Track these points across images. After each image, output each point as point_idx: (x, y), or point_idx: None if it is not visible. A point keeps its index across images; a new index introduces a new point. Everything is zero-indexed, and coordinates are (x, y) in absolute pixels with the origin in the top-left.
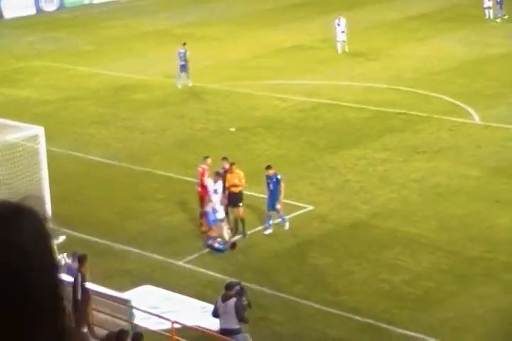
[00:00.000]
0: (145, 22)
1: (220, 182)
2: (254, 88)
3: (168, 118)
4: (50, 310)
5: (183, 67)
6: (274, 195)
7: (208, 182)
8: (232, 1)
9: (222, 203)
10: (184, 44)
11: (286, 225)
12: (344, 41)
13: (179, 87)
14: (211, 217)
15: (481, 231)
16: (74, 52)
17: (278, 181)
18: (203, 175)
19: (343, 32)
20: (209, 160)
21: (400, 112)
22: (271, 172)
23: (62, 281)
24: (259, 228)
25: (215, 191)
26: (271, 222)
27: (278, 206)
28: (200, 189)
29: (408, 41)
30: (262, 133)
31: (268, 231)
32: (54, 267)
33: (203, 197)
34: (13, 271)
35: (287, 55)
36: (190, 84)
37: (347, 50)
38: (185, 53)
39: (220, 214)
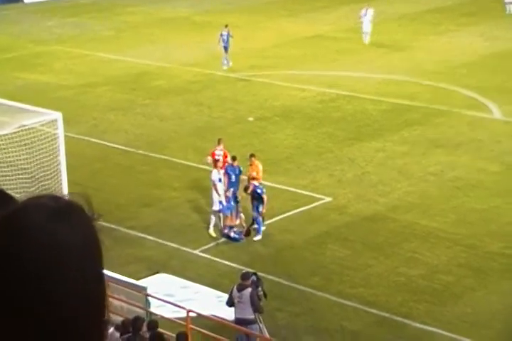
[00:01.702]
0: (165, 9)
1: (222, 171)
2: (273, 77)
3: (186, 106)
4: (95, 321)
5: (226, 49)
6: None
7: (213, 172)
8: None
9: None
10: (226, 26)
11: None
12: (367, 33)
13: (224, 68)
14: (226, 205)
15: (500, 226)
16: (93, 38)
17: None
18: (226, 156)
19: (369, 22)
20: (222, 142)
21: (419, 105)
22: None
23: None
24: (277, 218)
25: (220, 180)
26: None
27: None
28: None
29: (429, 34)
30: (281, 123)
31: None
32: (102, 274)
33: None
34: (64, 275)
35: (307, 45)
36: (230, 64)
37: (367, 41)
38: (227, 35)
39: (219, 204)
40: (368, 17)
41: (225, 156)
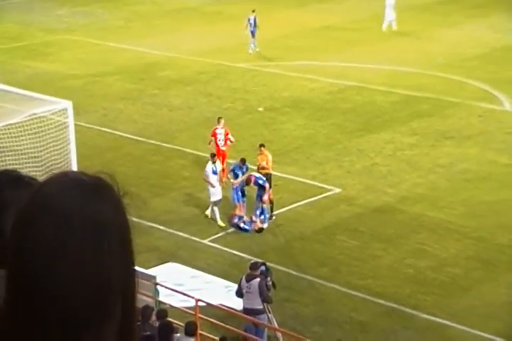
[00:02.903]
0: None
1: (218, 163)
2: (282, 68)
3: (195, 96)
4: (127, 305)
5: (253, 33)
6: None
7: (208, 164)
8: None
9: (220, 183)
10: (253, 11)
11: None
12: (392, 20)
13: (250, 52)
14: (234, 195)
15: (509, 218)
16: (103, 28)
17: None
18: (227, 134)
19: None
20: (222, 121)
21: (429, 97)
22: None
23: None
24: (286, 209)
25: (214, 172)
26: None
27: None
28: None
29: (439, 26)
30: (290, 114)
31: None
32: (132, 252)
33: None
34: (93, 252)
35: (316, 36)
36: (257, 49)
37: (385, 29)
38: (254, 19)
39: (218, 195)
40: (390, 4)
41: (226, 134)
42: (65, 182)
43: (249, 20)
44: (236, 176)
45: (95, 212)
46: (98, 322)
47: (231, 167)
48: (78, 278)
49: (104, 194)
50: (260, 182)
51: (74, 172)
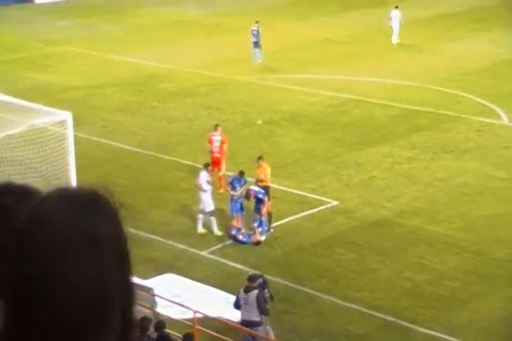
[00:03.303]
0: (174, 11)
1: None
2: (282, 81)
3: (195, 109)
4: (125, 316)
5: (256, 44)
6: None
7: (202, 173)
8: None
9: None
10: (257, 22)
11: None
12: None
13: (255, 63)
14: (233, 207)
15: (507, 233)
16: (103, 39)
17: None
18: (223, 143)
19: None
20: (219, 128)
21: (428, 111)
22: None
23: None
24: (284, 221)
25: (208, 182)
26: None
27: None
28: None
29: (440, 40)
30: (289, 127)
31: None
32: (129, 264)
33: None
34: (88, 266)
35: (316, 49)
36: (260, 60)
37: (397, 41)
38: (257, 30)
39: (211, 206)
40: (396, 18)
41: (223, 143)
42: (61, 197)
43: (252, 30)
44: (234, 188)
45: (92, 226)
46: (95, 330)
47: (229, 179)
48: (77, 289)
49: (101, 208)
50: (260, 196)
51: (70, 187)
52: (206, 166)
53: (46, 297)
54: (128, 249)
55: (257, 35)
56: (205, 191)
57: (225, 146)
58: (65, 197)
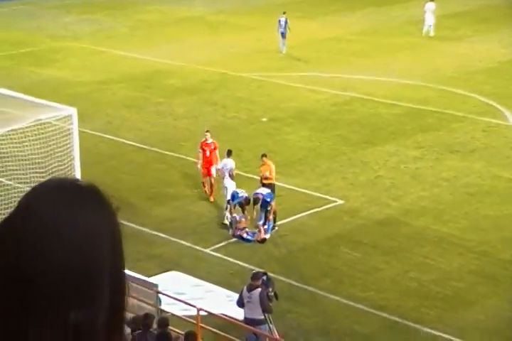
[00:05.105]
0: (180, 8)
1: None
2: (288, 79)
3: (200, 105)
4: (117, 310)
5: (283, 34)
6: None
7: (225, 161)
8: None
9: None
10: (284, 13)
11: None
12: (430, 25)
13: (283, 52)
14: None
15: None
16: (109, 35)
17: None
18: (215, 149)
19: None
20: (209, 134)
21: (435, 110)
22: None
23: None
24: (289, 219)
25: (231, 169)
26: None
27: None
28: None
29: (447, 39)
30: (294, 125)
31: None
32: (123, 263)
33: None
34: (86, 262)
35: (321, 47)
36: (284, 51)
37: (424, 33)
38: (286, 21)
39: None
40: (430, 10)
41: (215, 148)
42: (52, 190)
43: (279, 21)
44: (233, 198)
45: (84, 221)
46: (86, 302)
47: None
48: (68, 271)
49: (95, 202)
50: (268, 200)
51: (63, 179)
52: (229, 153)
53: (34, 284)
54: (122, 243)
55: (284, 25)
56: (227, 178)
57: (217, 152)
58: (55, 190)
